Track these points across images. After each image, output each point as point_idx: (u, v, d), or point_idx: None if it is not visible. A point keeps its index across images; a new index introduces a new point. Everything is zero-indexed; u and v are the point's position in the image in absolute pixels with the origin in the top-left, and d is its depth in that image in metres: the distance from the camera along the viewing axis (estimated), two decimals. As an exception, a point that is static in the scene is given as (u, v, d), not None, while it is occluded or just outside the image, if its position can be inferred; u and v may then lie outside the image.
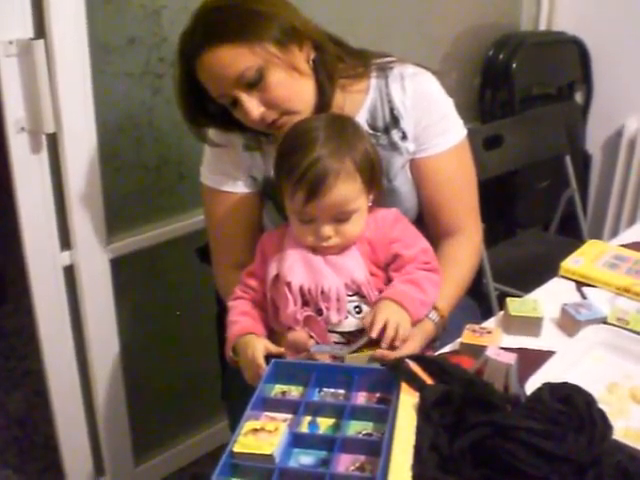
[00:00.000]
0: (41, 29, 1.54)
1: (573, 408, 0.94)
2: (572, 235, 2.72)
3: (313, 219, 1.24)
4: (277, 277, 1.29)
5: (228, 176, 1.47)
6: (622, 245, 1.68)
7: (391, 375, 1.05)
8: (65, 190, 1.70)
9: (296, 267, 1.27)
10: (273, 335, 1.32)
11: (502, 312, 1.37)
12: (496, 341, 1.23)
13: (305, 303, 1.27)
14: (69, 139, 1.65)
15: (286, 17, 1.30)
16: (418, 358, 1.07)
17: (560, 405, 0.95)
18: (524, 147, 2.48)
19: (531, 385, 1.08)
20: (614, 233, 3.00)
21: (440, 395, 0.96)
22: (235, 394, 1.50)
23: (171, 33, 1.78)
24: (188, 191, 1.97)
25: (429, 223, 1.48)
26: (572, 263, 1.54)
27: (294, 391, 1.13)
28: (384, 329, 1.18)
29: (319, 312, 1.27)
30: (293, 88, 1.33)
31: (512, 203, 2.77)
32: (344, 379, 1.11)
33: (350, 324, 1.27)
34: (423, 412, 0.95)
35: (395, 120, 1.43)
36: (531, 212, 2.85)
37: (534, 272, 2.33)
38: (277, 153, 1.29)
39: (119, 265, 1.89)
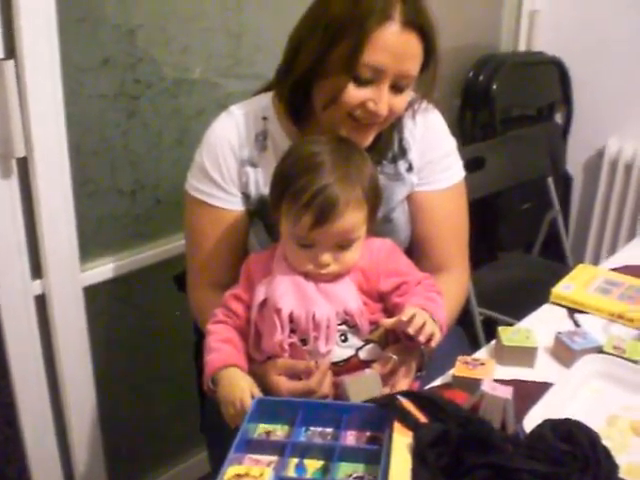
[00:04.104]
0: (11, 49, 1.48)
1: (577, 447, 0.89)
2: (554, 257, 2.72)
3: (313, 244, 1.21)
4: (264, 302, 1.24)
5: (220, 190, 1.41)
6: (613, 269, 1.64)
7: (382, 413, 1.00)
8: (36, 216, 1.63)
9: (287, 293, 1.22)
10: (251, 364, 1.27)
11: (494, 342, 1.32)
12: (490, 373, 1.18)
13: (291, 332, 1.23)
14: (40, 163, 1.58)
15: None
16: (410, 394, 1.02)
17: (563, 444, 0.90)
18: (506, 169, 2.46)
19: (530, 421, 1.03)
20: (596, 255, 3.02)
21: (436, 435, 0.90)
22: (214, 427, 1.43)
23: (146, 53, 1.74)
24: (165, 217, 1.92)
25: (420, 258, 1.46)
26: (563, 289, 1.51)
27: (279, 430, 1.07)
28: (410, 322, 1.14)
29: (303, 342, 1.23)
30: (404, 108, 1.34)
31: (494, 226, 2.74)
32: (332, 417, 1.05)
33: (335, 354, 1.23)
34: (418, 453, 0.89)
35: (403, 151, 1.44)
36: (513, 234, 2.82)
37: (519, 296, 2.33)
38: (278, 174, 1.25)
39: (93, 294, 1.83)
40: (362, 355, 1.24)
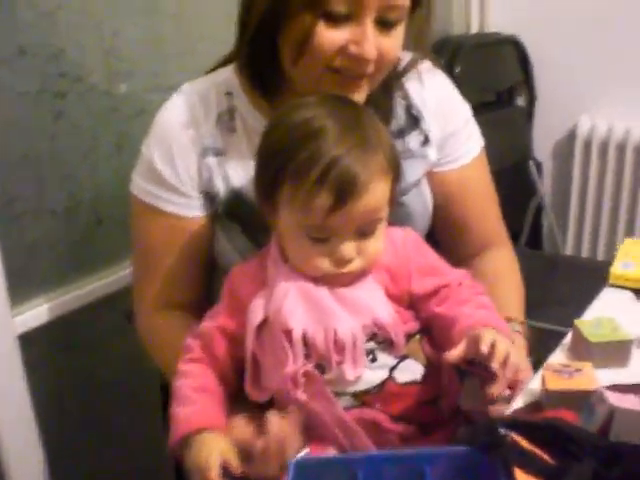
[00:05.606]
0: None
1: None
2: (531, 246, 2.64)
3: (329, 235, 0.95)
4: (265, 322, 0.98)
5: (174, 192, 1.18)
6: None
7: (479, 456, 0.70)
8: (-52, 251, 1.37)
9: (297, 307, 0.96)
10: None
11: (569, 339, 1.08)
12: (593, 381, 0.92)
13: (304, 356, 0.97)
14: (-52, 182, 1.32)
15: None
16: (512, 423, 0.72)
17: None
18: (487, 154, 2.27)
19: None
20: (577, 242, 2.84)
21: (585, 480, 0.61)
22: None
23: (70, 41, 1.50)
24: (108, 238, 1.67)
25: (453, 245, 1.29)
26: (623, 268, 1.30)
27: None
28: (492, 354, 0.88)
29: (319, 368, 0.96)
30: (398, 52, 1.09)
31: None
32: (406, 473, 0.75)
33: (365, 380, 0.97)
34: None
35: (414, 120, 1.21)
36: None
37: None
38: (267, 152, 1.00)
39: (30, 341, 1.56)
40: (399, 377, 0.98)
